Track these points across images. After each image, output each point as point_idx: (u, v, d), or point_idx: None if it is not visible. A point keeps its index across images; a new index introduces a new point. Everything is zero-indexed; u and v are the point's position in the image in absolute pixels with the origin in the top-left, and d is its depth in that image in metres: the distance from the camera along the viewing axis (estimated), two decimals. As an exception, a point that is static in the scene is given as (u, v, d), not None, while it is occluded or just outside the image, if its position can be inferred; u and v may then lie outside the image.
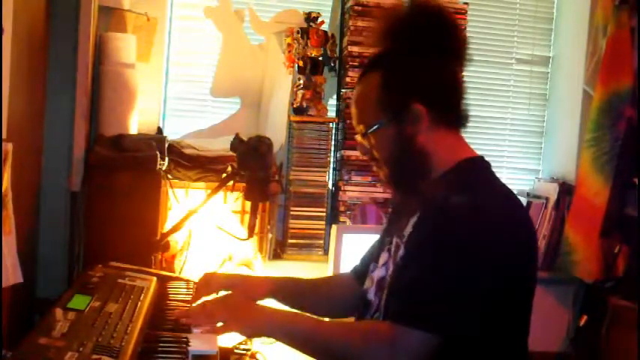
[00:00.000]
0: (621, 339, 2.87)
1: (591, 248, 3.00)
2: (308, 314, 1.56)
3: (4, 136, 1.53)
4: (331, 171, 2.90)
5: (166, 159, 2.39)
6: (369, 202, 2.84)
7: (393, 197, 2.85)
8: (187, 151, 2.55)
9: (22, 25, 1.80)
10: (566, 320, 3.19)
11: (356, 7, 2.84)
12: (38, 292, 2.24)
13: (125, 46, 2.51)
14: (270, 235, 2.66)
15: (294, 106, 2.82)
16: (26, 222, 2.00)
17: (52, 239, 2.31)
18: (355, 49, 2.85)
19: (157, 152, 2.27)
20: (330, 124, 2.84)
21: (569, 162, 3.22)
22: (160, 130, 2.78)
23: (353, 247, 2.33)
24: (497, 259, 1.27)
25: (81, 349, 1.16)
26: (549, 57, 3.39)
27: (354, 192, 2.85)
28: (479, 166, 1.43)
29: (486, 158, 1.46)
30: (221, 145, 2.54)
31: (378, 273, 1.47)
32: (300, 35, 2.80)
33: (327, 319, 1.68)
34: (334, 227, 2.40)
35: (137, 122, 2.56)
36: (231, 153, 2.01)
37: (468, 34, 1.89)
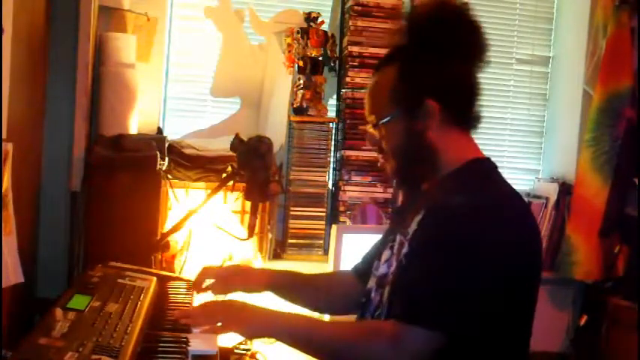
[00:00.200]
0: (621, 339, 2.88)
1: (591, 248, 3.00)
2: (308, 315, 1.56)
3: (4, 136, 1.53)
4: (331, 171, 2.90)
5: (166, 159, 2.39)
6: (369, 202, 2.84)
7: (394, 196, 2.88)
8: (187, 151, 2.55)
9: (22, 25, 1.80)
10: (566, 320, 3.19)
11: (356, 7, 2.84)
12: (38, 292, 2.24)
13: (125, 46, 2.51)
14: (270, 235, 2.66)
15: (294, 106, 2.82)
16: (26, 222, 2.00)
17: (52, 239, 2.31)
18: (355, 49, 2.85)
19: (157, 152, 2.27)
20: (330, 124, 2.84)
21: (569, 162, 3.22)
22: (160, 130, 2.78)
23: (353, 247, 2.33)
24: (501, 259, 1.27)
25: (81, 349, 1.16)
26: (549, 57, 3.39)
27: (354, 192, 2.85)
28: (486, 167, 1.43)
29: (487, 158, 1.47)
30: (221, 145, 2.53)
31: (380, 270, 1.47)
32: (300, 35, 2.80)
33: (327, 319, 1.69)
34: (334, 227, 2.40)
35: (137, 122, 2.56)
36: (231, 153, 2.01)
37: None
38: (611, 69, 3.01)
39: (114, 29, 2.56)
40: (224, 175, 2.31)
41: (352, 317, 1.57)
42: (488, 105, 3.26)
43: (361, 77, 2.85)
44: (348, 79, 2.86)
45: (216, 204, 2.34)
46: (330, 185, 2.88)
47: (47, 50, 2.23)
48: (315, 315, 1.83)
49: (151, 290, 1.66)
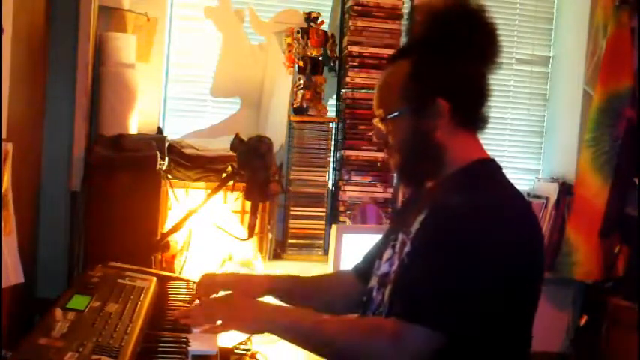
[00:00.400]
0: (621, 339, 2.88)
1: (591, 248, 3.00)
2: (309, 310, 1.56)
3: (4, 136, 1.53)
4: (331, 171, 2.90)
5: (166, 159, 2.39)
6: (369, 202, 2.84)
7: (394, 196, 2.88)
8: (187, 151, 2.55)
9: (22, 25, 1.80)
10: (566, 320, 3.19)
11: (356, 7, 2.84)
12: (38, 292, 2.24)
13: (125, 46, 2.51)
14: (270, 235, 2.66)
15: (294, 106, 2.82)
16: (26, 222, 2.00)
17: (52, 239, 2.31)
18: (355, 49, 2.85)
19: (157, 152, 2.27)
20: (330, 124, 2.84)
21: (569, 162, 3.22)
22: (160, 130, 2.78)
23: (353, 247, 2.33)
24: (502, 259, 1.27)
25: (81, 349, 1.16)
26: (549, 57, 3.39)
27: (354, 192, 2.85)
28: (490, 168, 1.43)
29: (487, 159, 1.47)
30: (221, 145, 2.53)
31: (381, 269, 1.47)
32: (300, 35, 2.80)
33: (328, 315, 1.68)
34: (334, 227, 2.40)
35: (137, 122, 2.56)
36: (231, 153, 2.00)
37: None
38: (611, 69, 3.01)
39: (114, 29, 2.56)
40: (224, 175, 2.31)
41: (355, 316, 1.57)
42: (489, 105, 3.26)
43: (361, 77, 2.85)
44: (348, 79, 2.86)
45: (216, 204, 2.34)
46: (330, 185, 2.88)
47: (47, 50, 2.23)
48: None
49: (151, 290, 1.66)
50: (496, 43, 1.43)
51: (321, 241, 2.81)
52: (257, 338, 1.80)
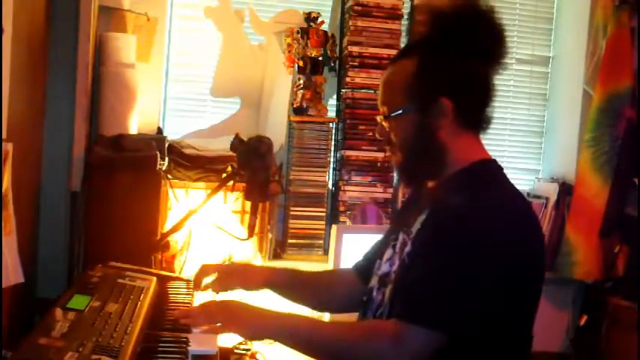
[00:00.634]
0: (621, 339, 2.87)
1: (591, 248, 3.00)
2: (308, 315, 1.56)
3: (4, 136, 1.53)
4: (331, 171, 2.90)
5: (166, 159, 2.39)
6: (369, 202, 2.84)
7: (394, 196, 2.87)
8: (187, 151, 2.55)
9: (22, 25, 1.80)
10: (566, 320, 3.19)
11: (356, 7, 2.84)
12: (38, 292, 2.24)
13: (125, 46, 2.51)
14: (270, 235, 2.66)
15: (294, 106, 2.82)
16: (26, 222, 2.00)
17: (52, 239, 2.31)
18: (355, 49, 2.85)
19: (157, 152, 2.27)
20: (330, 124, 2.84)
21: (569, 162, 3.22)
22: (160, 130, 2.78)
23: (353, 247, 2.33)
24: (503, 260, 1.26)
25: (81, 349, 1.16)
26: (549, 57, 3.39)
27: (354, 192, 2.85)
28: (491, 169, 1.43)
29: (487, 159, 1.46)
30: (221, 145, 2.53)
31: (382, 269, 1.47)
32: (300, 35, 2.80)
33: (327, 319, 1.68)
34: (334, 227, 2.40)
35: (137, 122, 2.56)
36: (231, 153, 2.01)
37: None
38: (611, 69, 3.01)
39: (114, 29, 2.56)
40: (224, 175, 2.31)
41: (353, 316, 1.57)
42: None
43: (361, 77, 2.85)
44: (348, 79, 2.85)
45: (216, 204, 2.35)
46: (330, 185, 2.88)
47: (47, 50, 2.23)
48: (315, 313, 1.83)
49: (151, 290, 1.66)
50: (503, 44, 1.44)
51: (321, 241, 2.81)
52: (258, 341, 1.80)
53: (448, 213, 1.31)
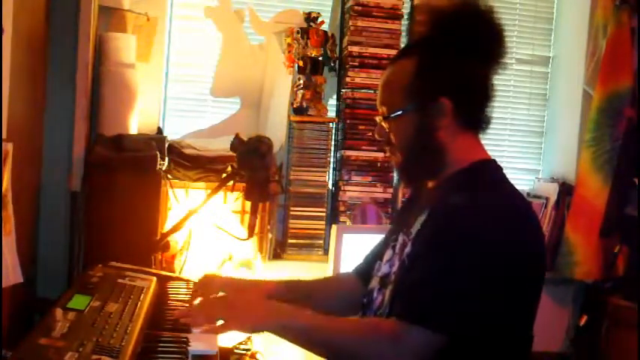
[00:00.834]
0: (621, 339, 2.88)
1: (591, 248, 3.00)
2: (308, 310, 1.56)
3: (4, 136, 1.53)
4: (331, 171, 2.90)
5: (166, 159, 2.39)
6: (369, 202, 2.84)
7: (394, 196, 2.88)
8: (187, 151, 2.55)
9: (22, 25, 1.80)
10: (566, 320, 3.19)
11: (356, 7, 2.84)
12: (38, 292, 2.24)
13: (125, 46, 2.51)
14: (270, 235, 2.66)
15: (294, 106, 2.82)
16: (26, 222, 2.00)
17: (52, 239, 2.31)
18: (355, 49, 2.85)
19: (157, 152, 2.27)
20: (330, 124, 2.84)
21: (569, 162, 3.22)
22: (160, 130, 2.78)
23: (353, 247, 2.33)
24: (503, 260, 1.26)
25: (81, 349, 1.16)
26: (549, 57, 3.39)
27: (354, 192, 2.85)
28: (490, 169, 1.43)
29: (487, 159, 1.46)
30: (221, 145, 2.53)
31: (382, 270, 1.47)
32: (300, 35, 2.80)
33: (328, 315, 1.67)
34: (334, 227, 2.40)
35: (137, 122, 2.56)
36: (231, 153, 2.01)
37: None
38: (611, 69, 3.01)
39: (114, 29, 2.56)
40: (224, 175, 2.31)
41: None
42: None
43: (361, 77, 2.85)
44: (348, 79, 2.86)
45: (216, 204, 2.34)
46: (330, 185, 2.88)
47: (47, 50, 2.23)
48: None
49: (151, 290, 1.66)
50: (502, 44, 1.43)
51: (321, 241, 2.81)
52: (257, 338, 1.80)
53: (448, 213, 1.31)
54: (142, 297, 1.56)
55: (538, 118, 3.40)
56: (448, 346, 1.24)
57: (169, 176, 2.47)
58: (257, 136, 1.96)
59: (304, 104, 2.80)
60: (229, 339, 1.75)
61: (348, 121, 2.86)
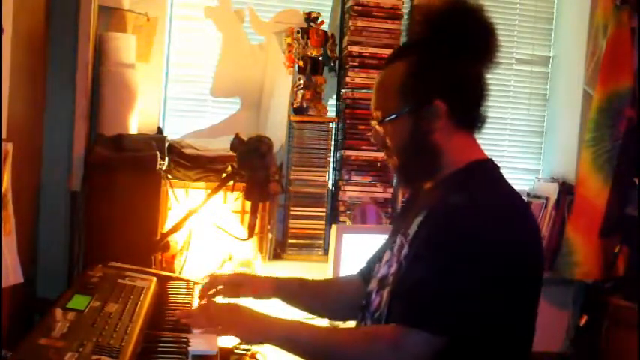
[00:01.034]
0: (621, 339, 2.87)
1: (591, 248, 3.00)
2: (308, 322, 1.56)
3: (4, 136, 1.53)
4: (331, 171, 2.90)
5: (166, 159, 2.39)
6: (369, 202, 2.84)
7: (394, 196, 2.87)
8: (187, 151, 2.55)
9: (22, 25, 1.80)
10: (566, 320, 3.19)
11: (356, 7, 2.84)
12: (38, 292, 2.24)
13: (125, 46, 2.51)
14: (270, 235, 2.66)
15: (294, 106, 2.82)
16: (26, 222, 2.00)
17: (52, 239, 2.31)
18: (355, 49, 2.85)
19: (157, 152, 2.27)
20: (330, 124, 2.84)
21: (569, 162, 3.22)
22: (160, 130, 2.78)
23: (353, 247, 2.33)
24: (501, 260, 1.26)
25: (81, 349, 1.16)
26: (549, 57, 3.39)
27: (354, 192, 2.85)
28: (487, 169, 1.43)
29: (487, 159, 1.46)
30: (221, 145, 2.54)
31: (381, 272, 1.47)
32: (300, 35, 2.80)
33: (326, 326, 1.68)
34: (334, 227, 2.40)
35: (137, 122, 2.56)
36: (231, 153, 2.01)
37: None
38: (611, 69, 3.01)
39: (114, 29, 2.56)
40: (224, 175, 2.31)
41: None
42: (489, 105, 3.25)
43: (361, 77, 2.85)
44: (348, 79, 2.86)
45: (216, 204, 2.35)
46: (330, 185, 2.88)
47: (47, 50, 2.23)
48: (319, 321, 1.82)
49: (151, 290, 1.66)
50: (493, 42, 1.43)
51: (321, 241, 2.81)
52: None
53: (444, 214, 1.31)
54: (142, 297, 1.56)
55: (538, 118, 3.40)
56: (448, 347, 1.24)
57: (169, 176, 2.47)
58: (257, 136, 1.96)
59: (304, 104, 2.80)
60: (229, 339, 1.75)
61: (348, 121, 2.86)
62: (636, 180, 2.97)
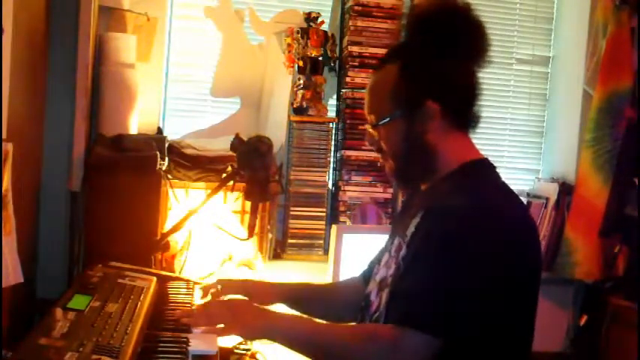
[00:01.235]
0: (621, 339, 2.87)
1: (591, 248, 3.00)
2: (309, 317, 1.56)
3: (4, 136, 1.53)
4: (331, 171, 2.90)
5: (166, 159, 2.39)
6: (369, 202, 2.84)
7: (394, 196, 2.87)
8: (187, 151, 2.55)
9: (22, 25, 1.80)
10: (566, 320, 3.19)
11: (356, 7, 2.84)
12: (38, 292, 2.24)
13: (125, 46, 2.51)
14: (270, 235, 2.66)
15: (294, 106, 2.82)
16: (26, 222, 2.00)
17: (52, 239, 2.31)
18: (355, 49, 2.85)
19: (157, 152, 2.27)
20: (330, 124, 2.84)
21: (569, 162, 3.22)
22: (160, 130, 2.78)
23: (353, 247, 2.33)
24: (498, 260, 1.26)
25: (81, 349, 1.16)
26: (549, 57, 3.39)
27: (354, 192, 2.85)
28: (484, 168, 1.43)
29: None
30: (221, 145, 2.54)
31: (379, 274, 1.47)
32: (300, 35, 2.80)
33: (326, 322, 1.68)
34: (334, 227, 2.40)
35: (137, 122, 2.56)
36: (231, 153, 2.01)
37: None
38: (611, 69, 3.01)
39: (114, 29, 2.56)
40: (224, 175, 2.31)
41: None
42: (488, 105, 3.26)
43: (361, 77, 2.85)
44: (348, 79, 2.86)
45: (216, 204, 2.34)
46: (330, 185, 2.88)
47: (47, 50, 2.23)
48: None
49: (151, 290, 1.66)
50: (484, 41, 1.42)
51: (321, 241, 2.81)
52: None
53: (441, 215, 1.30)
54: (142, 297, 1.56)
55: (538, 118, 3.40)
56: (448, 348, 1.24)
57: (169, 176, 2.47)
58: (257, 136, 1.96)
59: (304, 104, 2.80)
60: (229, 339, 1.75)
61: (348, 121, 2.86)
62: (636, 180, 2.97)
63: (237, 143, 1.95)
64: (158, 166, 2.26)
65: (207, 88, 2.94)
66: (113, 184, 2.18)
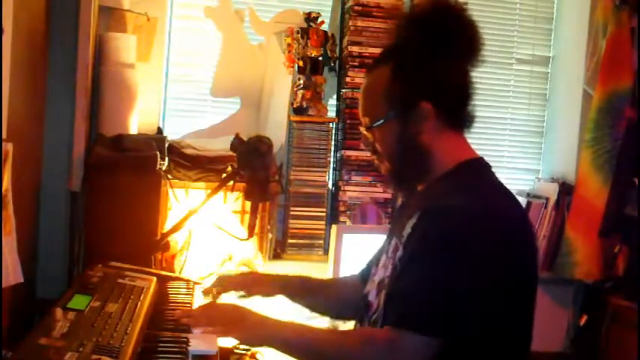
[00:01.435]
0: (621, 339, 2.87)
1: (591, 248, 3.00)
2: (307, 325, 1.56)
3: (4, 136, 1.53)
4: (331, 171, 2.90)
5: (166, 159, 2.39)
6: (369, 202, 2.84)
7: (394, 196, 2.87)
8: (187, 151, 2.55)
9: (22, 25, 1.80)
10: (566, 320, 3.19)
11: (356, 7, 2.84)
12: (38, 292, 2.24)
13: (125, 46, 2.51)
14: (270, 235, 2.66)
15: (294, 106, 2.82)
16: (26, 222, 2.00)
17: (52, 239, 2.31)
18: (355, 49, 2.85)
19: (157, 152, 2.27)
20: (330, 124, 2.84)
21: (569, 162, 3.22)
22: (160, 130, 2.78)
23: (353, 247, 2.33)
24: (495, 260, 1.26)
25: (81, 349, 1.16)
26: (549, 57, 3.38)
27: (354, 192, 2.85)
28: (479, 168, 1.43)
29: (486, 158, 1.46)
30: (221, 145, 2.54)
31: (378, 275, 1.47)
32: (300, 35, 2.80)
33: (325, 328, 1.69)
34: (334, 227, 2.40)
35: (137, 122, 2.56)
36: (231, 153, 2.01)
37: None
38: (611, 69, 3.01)
39: (114, 29, 2.56)
40: (224, 175, 2.31)
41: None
42: (489, 105, 3.26)
43: (361, 77, 2.84)
44: (348, 79, 2.86)
45: (216, 204, 2.35)
46: (330, 185, 2.88)
47: (47, 50, 2.23)
48: (321, 320, 1.82)
49: (151, 290, 1.66)
50: (476, 39, 1.41)
51: (321, 241, 2.81)
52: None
53: (437, 215, 1.30)
54: (142, 297, 1.56)
55: (538, 118, 3.40)
56: (447, 349, 1.24)
57: (169, 176, 2.47)
58: (257, 136, 1.96)
59: (304, 104, 2.80)
60: (229, 339, 1.75)
61: (348, 121, 2.86)
62: (636, 180, 2.97)
63: (237, 143, 1.95)
64: (158, 166, 2.26)
65: (207, 88, 2.94)
66: (113, 184, 2.18)
